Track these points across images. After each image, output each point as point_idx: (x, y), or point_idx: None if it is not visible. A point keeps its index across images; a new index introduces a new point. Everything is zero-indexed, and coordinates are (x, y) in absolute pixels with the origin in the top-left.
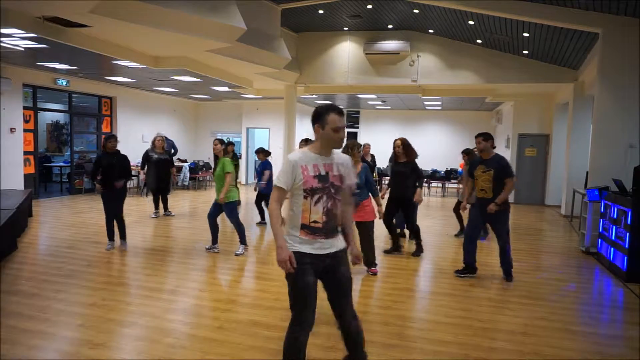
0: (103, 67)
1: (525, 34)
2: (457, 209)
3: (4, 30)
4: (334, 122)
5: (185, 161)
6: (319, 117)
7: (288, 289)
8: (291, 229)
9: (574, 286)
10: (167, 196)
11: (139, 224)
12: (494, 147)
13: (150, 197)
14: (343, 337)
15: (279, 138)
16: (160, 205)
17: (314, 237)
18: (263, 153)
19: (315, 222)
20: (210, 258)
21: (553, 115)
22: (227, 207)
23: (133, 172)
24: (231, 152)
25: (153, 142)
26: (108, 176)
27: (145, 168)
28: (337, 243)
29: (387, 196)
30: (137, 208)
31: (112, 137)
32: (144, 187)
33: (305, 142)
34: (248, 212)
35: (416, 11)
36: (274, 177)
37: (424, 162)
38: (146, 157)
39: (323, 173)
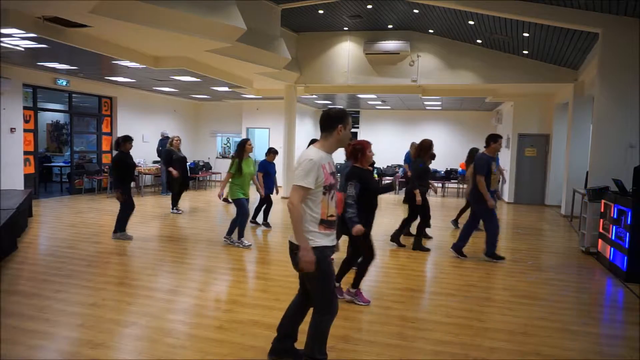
0: (103, 67)
1: (525, 34)
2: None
3: (4, 30)
4: (350, 124)
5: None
6: (342, 118)
7: (317, 283)
8: (309, 226)
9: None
10: (182, 194)
11: (140, 223)
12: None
13: (169, 195)
14: (300, 314)
15: (279, 138)
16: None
17: (331, 230)
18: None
19: (331, 215)
20: (211, 258)
21: (553, 115)
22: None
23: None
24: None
25: (171, 143)
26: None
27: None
28: None
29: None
30: (139, 207)
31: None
32: (168, 186)
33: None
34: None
35: (416, 11)
36: (299, 177)
37: None
38: (170, 156)
39: (334, 170)
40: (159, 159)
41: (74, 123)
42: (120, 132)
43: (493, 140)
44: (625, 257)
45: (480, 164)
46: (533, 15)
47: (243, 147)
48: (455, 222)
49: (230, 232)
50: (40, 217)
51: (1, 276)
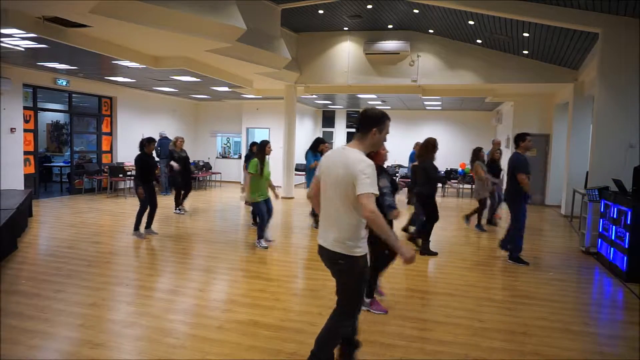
0: (103, 67)
1: (525, 34)
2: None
3: (4, 30)
4: (388, 128)
5: None
6: (379, 121)
7: (351, 289)
8: (362, 232)
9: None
10: (188, 193)
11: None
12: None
13: (172, 195)
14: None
15: (279, 138)
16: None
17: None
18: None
19: None
20: (210, 258)
21: (553, 115)
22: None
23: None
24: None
25: (174, 143)
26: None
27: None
28: None
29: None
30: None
31: (153, 140)
32: (168, 185)
33: None
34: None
35: (416, 11)
36: (369, 184)
37: None
38: (172, 157)
39: None
40: (157, 159)
41: (74, 123)
42: (120, 132)
43: (521, 139)
44: (625, 257)
45: (522, 164)
46: (533, 15)
47: (264, 149)
48: (467, 219)
49: (260, 237)
50: (40, 217)
51: (1, 276)
